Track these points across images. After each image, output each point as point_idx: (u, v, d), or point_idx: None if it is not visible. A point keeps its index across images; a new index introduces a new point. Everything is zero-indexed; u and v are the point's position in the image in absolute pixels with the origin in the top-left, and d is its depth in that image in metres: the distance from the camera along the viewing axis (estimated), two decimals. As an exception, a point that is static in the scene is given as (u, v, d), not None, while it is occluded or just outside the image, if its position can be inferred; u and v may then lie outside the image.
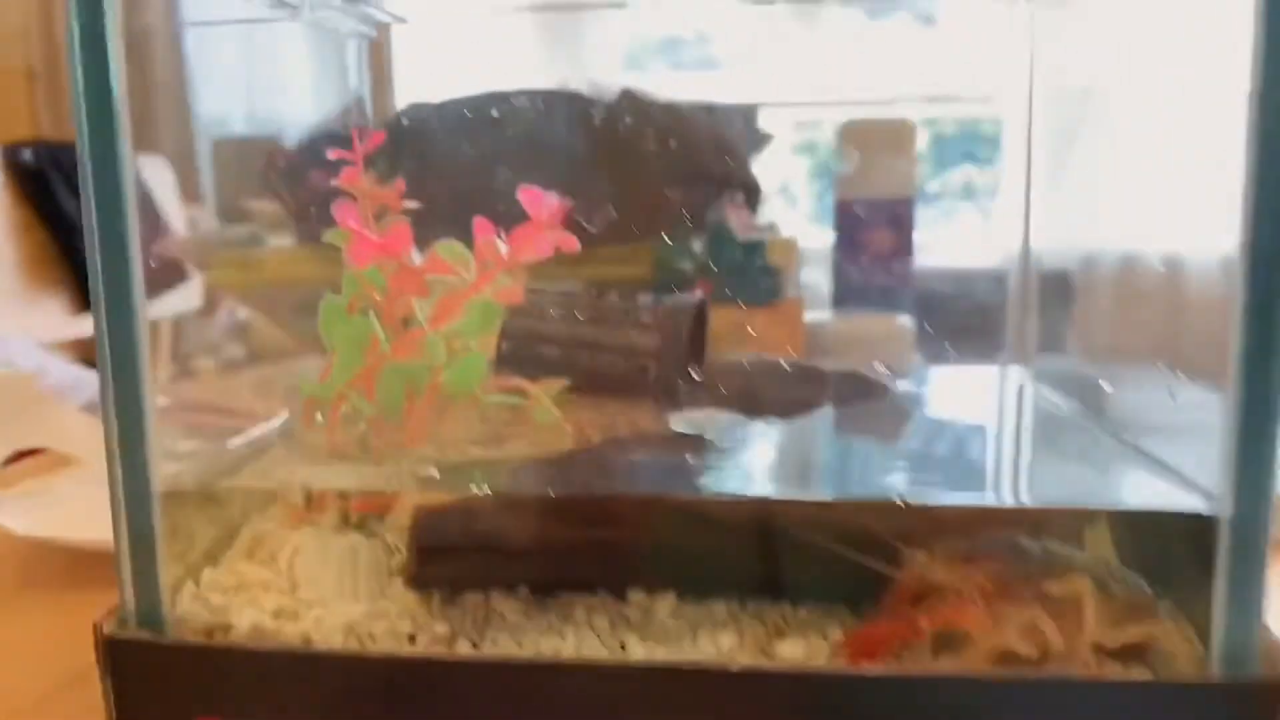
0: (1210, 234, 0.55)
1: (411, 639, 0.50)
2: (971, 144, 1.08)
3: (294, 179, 0.89)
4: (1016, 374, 0.81)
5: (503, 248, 0.55)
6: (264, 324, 0.96)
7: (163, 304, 0.89)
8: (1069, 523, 0.54)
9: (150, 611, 0.48)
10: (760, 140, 1.02)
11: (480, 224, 0.58)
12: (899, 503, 0.46)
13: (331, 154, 0.64)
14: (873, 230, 1.07)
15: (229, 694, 0.47)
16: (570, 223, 0.58)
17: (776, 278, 0.98)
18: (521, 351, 0.71)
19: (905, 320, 1.03)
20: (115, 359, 0.48)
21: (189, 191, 0.87)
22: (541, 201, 0.54)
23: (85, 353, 2.38)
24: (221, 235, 0.95)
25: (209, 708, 0.46)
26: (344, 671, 0.46)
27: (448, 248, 0.56)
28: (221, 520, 0.58)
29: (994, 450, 0.60)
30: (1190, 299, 0.65)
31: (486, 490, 0.50)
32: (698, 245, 0.97)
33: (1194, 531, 0.48)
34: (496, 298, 0.56)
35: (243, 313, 0.97)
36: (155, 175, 0.78)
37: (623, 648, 0.49)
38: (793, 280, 1.00)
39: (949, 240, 1.04)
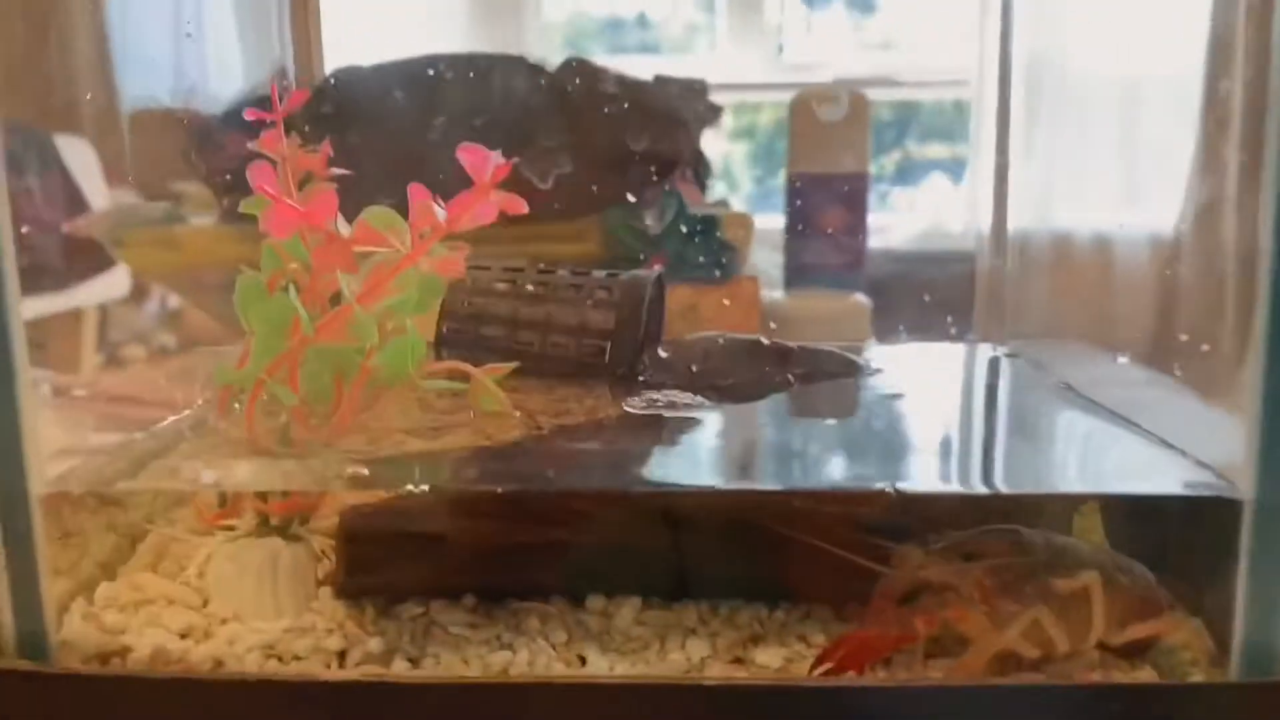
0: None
1: (341, 657, 0.44)
2: (940, 122, 1.05)
3: (213, 148, 0.82)
4: (987, 351, 0.77)
5: (440, 213, 0.48)
6: (194, 310, 0.89)
7: (86, 291, 0.81)
8: (1060, 508, 0.50)
9: (31, 635, 0.42)
10: (711, 114, 0.96)
11: (415, 190, 0.51)
12: (889, 491, 0.42)
13: (248, 114, 0.57)
14: (826, 205, 1.03)
15: (127, 729, 0.40)
16: (516, 187, 0.53)
17: (733, 253, 0.93)
18: (464, 333, 0.65)
19: (861, 298, 0.99)
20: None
21: (114, 172, 0.79)
22: (485, 160, 0.48)
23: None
24: (136, 213, 0.87)
25: (103, 747, 0.40)
26: (262, 700, 0.40)
27: (378, 214, 0.50)
28: (121, 526, 0.51)
29: (981, 431, 0.55)
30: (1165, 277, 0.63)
31: (424, 487, 0.44)
32: (649, 220, 0.92)
33: (1203, 516, 0.44)
34: (435, 270, 0.50)
35: (175, 300, 0.90)
36: (77, 156, 0.71)
37: (582, 662, 0.44)
38: (747, 256, 0.96)
39: (916, 218, 1.00)
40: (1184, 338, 0.51)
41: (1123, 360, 0.52)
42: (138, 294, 0.87)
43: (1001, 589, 0.41)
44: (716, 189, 0.99)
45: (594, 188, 0.84)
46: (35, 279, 0.53)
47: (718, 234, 0.93)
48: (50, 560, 0.42)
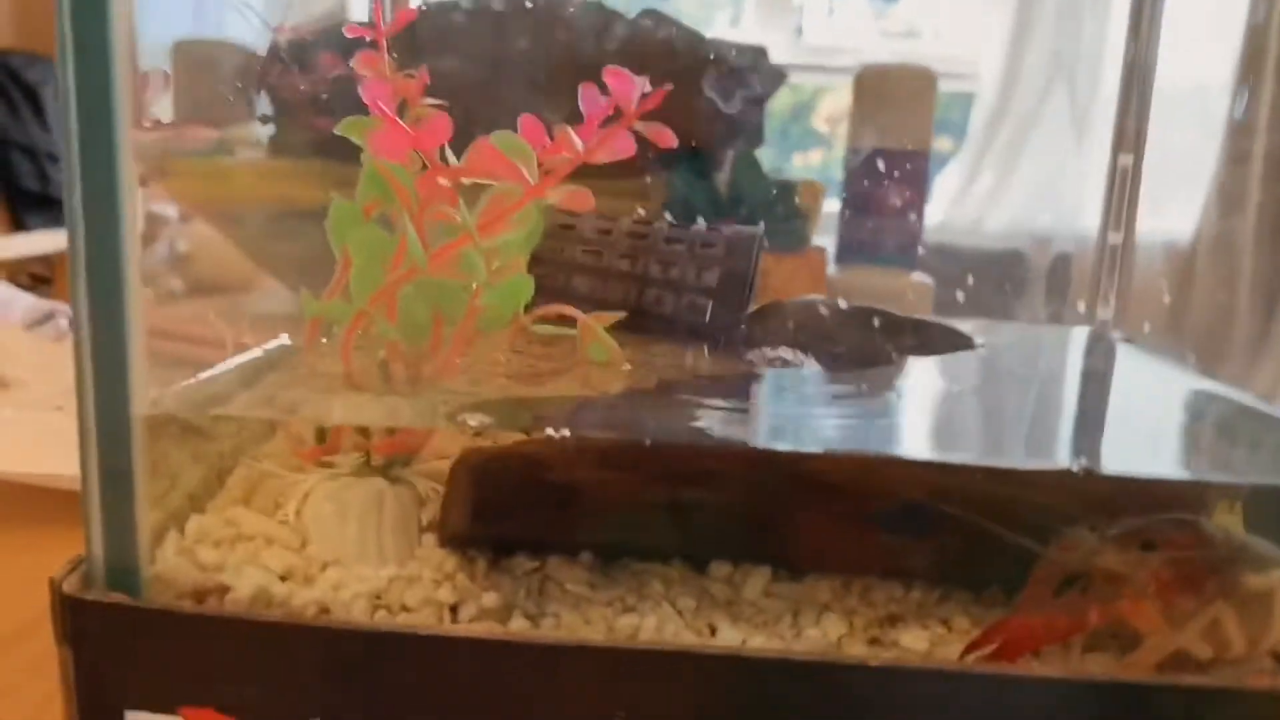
0: None
1: (454, 611, 0.41)
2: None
3: (283, 74, 0.78)
4: (1083, 334, 0.74)
5: (578, 142, 0.45)
6: (209, 255, 0.85)
7: None
8: (1207, 498, 0.47)
9: (124, 567, 0.38)
10: (777, 79, 0.93)
11: (529, 121, 0.48)
12: (1073, 470, 0.38)
13: (348, 30, 0.53)
14: (886, 182, 1.00)
15: (226, 677, 0.37)
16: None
17: (806, 222, 0.90)
18: (552, 280, 0.62)
19: (922, 277, 0.96)
20: (91, 259, 0.38)
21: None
22: (630, 85, 0.44)
23: (10, 274, 2.22)
24: (183, 143, 0.83)
25: (199, 694, 0.37)
26: (374, 651, 0.37)
27: (505, 139, 0.46)
28: (208, 457, 0.48)
29: (1119, 414, 0.52)
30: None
31: (562, 432, 0.41)
32: (718, 182, 0.88)
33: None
34: (565, 204, 0.47)
35: (183, 244, 0.87)
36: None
37: (712, 631, 0.40)
38: (818, 227, 0.93)
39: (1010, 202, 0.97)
40: None
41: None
42: (146, 238, 0.83)
43: (1180, 582, 0.38)
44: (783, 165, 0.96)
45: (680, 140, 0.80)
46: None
47: (793, 200, 0.90)
48: (145, 490, 0.39)
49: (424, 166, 0.48)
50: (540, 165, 0.46)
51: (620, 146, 0.45)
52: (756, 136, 0.93)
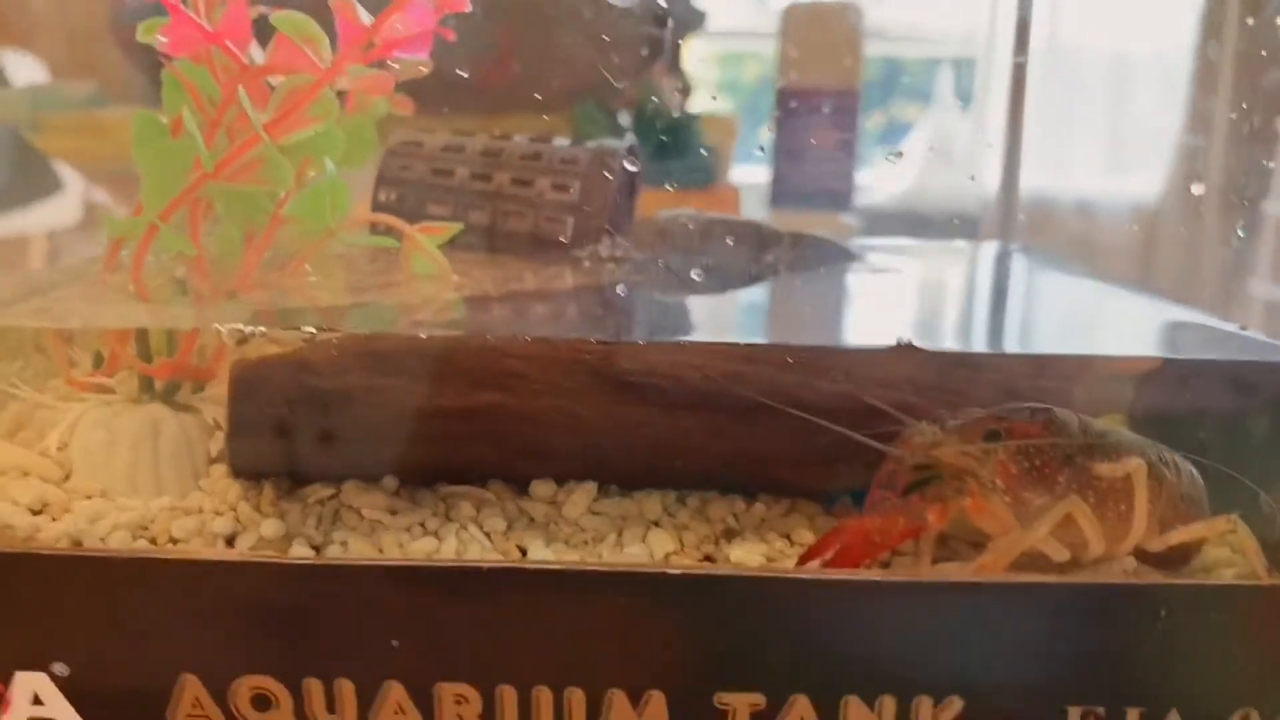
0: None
1: (229, 542, 0.36)
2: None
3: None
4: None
5: (365, 16, 0.40)
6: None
7: (31, 216, 0.72)
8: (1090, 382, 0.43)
9: None
10: (694, 19, 0.89)
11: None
12: (902, 344, 0.34)
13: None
14: (815, 122, 0.95)
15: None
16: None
17: (712, 158, 0.86)
18: (405, 203, 0.57)
19: (847, 219, 0.92)
20: None
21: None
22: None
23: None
24: (56, 94, 0.78)
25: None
26: (118, 580, 0.32)
27: (291, 19, 0.41)
28: (-24, 387, 0.43)
29: (991, 303, 0.48)
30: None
31: (328, 333, 0.36)
32: (625, 121, 0.84)
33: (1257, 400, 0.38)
34: (361, 87, 0.42)
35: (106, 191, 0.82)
36: None
37: (522, 554, 0.36)
38: (728, 163, 0.88)
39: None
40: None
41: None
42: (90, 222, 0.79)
43: (1029, 476, 0.34)
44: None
45: (566, 74, 0.76)
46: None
47: (696, 135, 0.85)
48: None
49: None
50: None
51: (417, 19, 0.40)
52: (679, 75, 0.88)
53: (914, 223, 0.83)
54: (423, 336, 0.38)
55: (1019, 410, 0.36)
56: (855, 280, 0.53)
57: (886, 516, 0.34)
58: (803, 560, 0.34)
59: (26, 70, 0.72)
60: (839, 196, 0.94)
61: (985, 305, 0.50)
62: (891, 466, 0.36)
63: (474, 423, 0.37)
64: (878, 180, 0.92)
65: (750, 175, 0.90)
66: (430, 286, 0.45)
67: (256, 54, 0.45)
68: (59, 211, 0.71)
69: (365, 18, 0.40)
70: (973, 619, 0.32)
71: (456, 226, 0.48)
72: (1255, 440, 0.38)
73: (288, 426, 0.38)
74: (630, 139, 0.60)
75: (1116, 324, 0.44)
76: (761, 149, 0.88)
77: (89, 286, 0.44)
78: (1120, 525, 0.35)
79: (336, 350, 0.37)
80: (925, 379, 0.38)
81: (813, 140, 0.94)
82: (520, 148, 0.57)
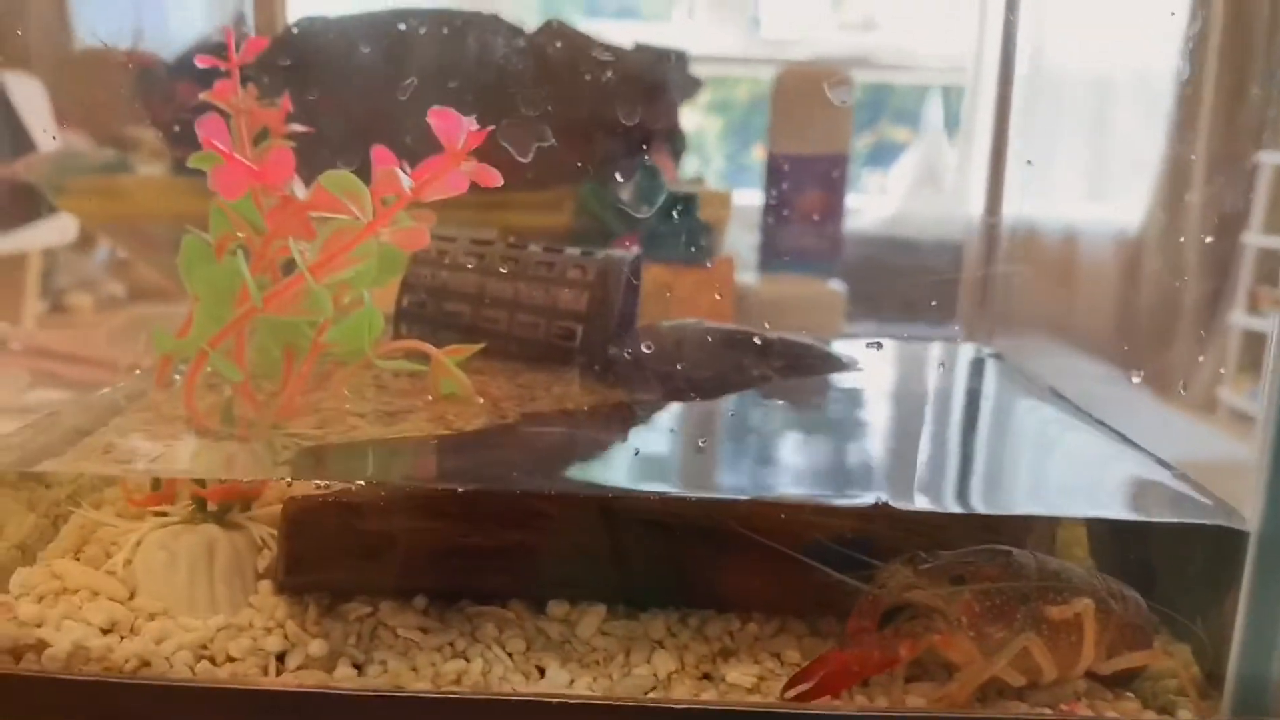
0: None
1: (280, 659, 0.40)
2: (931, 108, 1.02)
3: (161, 95, 0.76)
4: (970, 351, 0.75)
5: (406, 181, 0.45)
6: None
7: (30, 235, 0.76)
8: (1046, 527, 0.47)
9: (-65, 626, 0.38)
10: (691, 86, 0.93)
11: (379, 153, 0.47)
12: (879, 504, 0.39)
13: (200, 60, 0.52)
14: (805, 187, 1.00)
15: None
16: (492, 156, 0.49)
17: (710, 234, 0.90)
18: (426, 308, 0.62)
19: (835, 285, 0.96)
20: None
21: (66, 114, 0.75)
22: (457, 125, 0.44)
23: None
24: (79, 159, 0.82)
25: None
26: (189, 707, 0.36)
27: (336, 178, 0.45)
28: (43, 505, 0.47)
29: (969, 442, 0.53)
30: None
31: (373, 480, 0.40)
32: (625, 195, 0.88)
33: (1199, 544, 0.42)
34: (397, 242, 0.46)
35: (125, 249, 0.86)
36: (25, 94, 0.66)
37: (541, 673, 0.41)
38: (725, 237, 0.93)
39: (900, 207, 0.97)
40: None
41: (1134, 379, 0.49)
42: (86, 240, 0.82)
43: (990, 614, 0.39)
44: (691, 165, 0.96)
45: (569, 157, 0.80)
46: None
47: (695, 213, 0.90)
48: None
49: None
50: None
51: (450, 184, 0.45)
52: (677, 141, 0.93)
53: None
54: (459, 490, 0.42)
55: (982, 553, 0.40)
56: (837, 399, 0.57)
57: (864, 650, 0.39)
58: (789, 686, 0.39)
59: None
60: (827, 263, 0.98)
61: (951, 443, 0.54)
62: (870, 600, 0.40)
63: (501, 558, 0.42)
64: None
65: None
66: (455, 408, 0.49)
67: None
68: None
69: (406, 183, 0.45)
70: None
71: (477, 346, 0.52)
72: (1193, 574, 0.43)
73: (334, 558, 0.42)
74: (636, 250, 0.65)
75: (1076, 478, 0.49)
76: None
77: (145, 414, 0.48)
78: (1071, 654, 0.40)
79: (380, 496, 0.41)
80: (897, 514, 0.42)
81: (802, 206, 0.98)
82: (535, 255, 0.61)
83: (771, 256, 0.98)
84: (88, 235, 0.84)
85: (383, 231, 0.46)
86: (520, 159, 0.45)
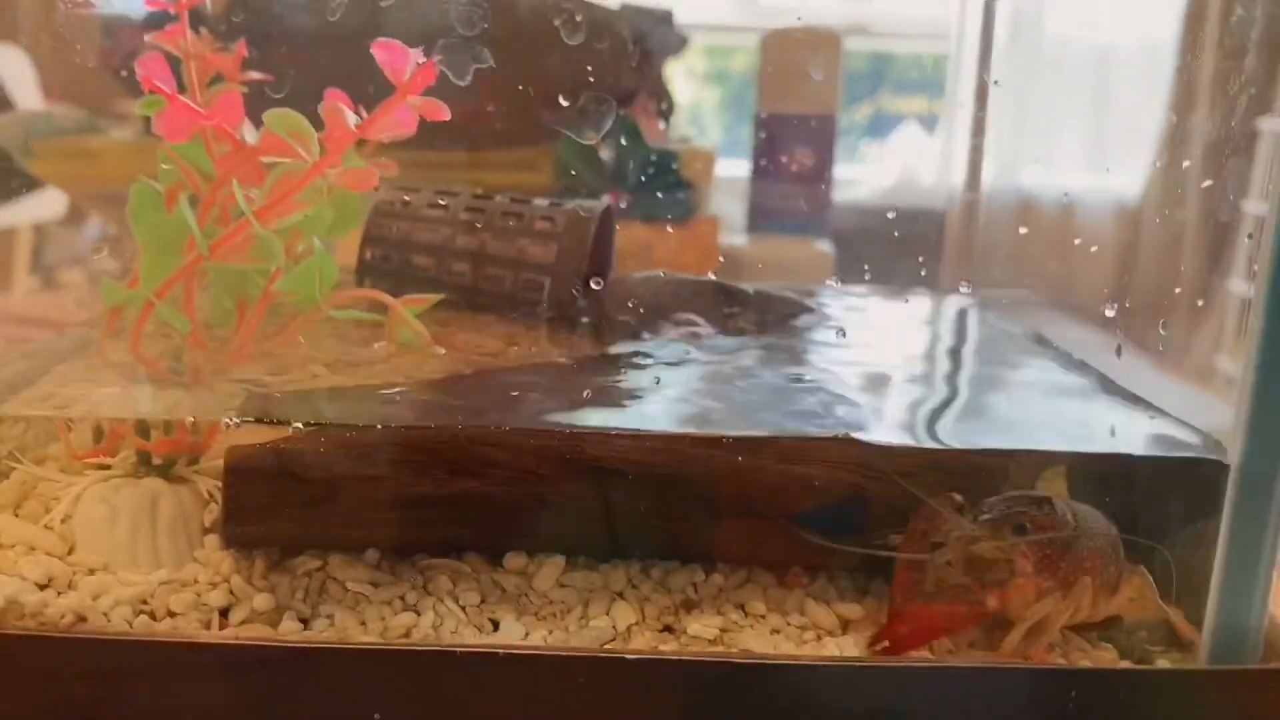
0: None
1: (224, 614, 0.39)
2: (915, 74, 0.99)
3: (126, 49, 0.74)
4: (954, 301, 0.73)
5: (351, 118, 0.43)
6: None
7: (16, 210, 0.74)
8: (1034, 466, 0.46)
9: None
10: (676, 44, 0.91)
11: (331, 95, 0.46)
12: (840, 437, 0.37)
13: (148, 2, 0.50)
14: (792, 147, 0.98)
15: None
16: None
17: (690, 191, 0.88)
18: (389, 261, 0.60)
19: (823, 245, 0.94)
20: None
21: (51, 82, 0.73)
22: (403, 58, 0.42)
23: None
24: (49, 121, 0.80)
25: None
26: (126, 660, 0.35)
27: (281, 117, 0.44)
28: (-16, 460, 0.45)
29: (941, 383, 0.51)
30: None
31: (319, 423, 0.39)
32: (606, 153, 0.86)
33: (1179, 479, 0.41)
34: (344, 183, 0.44)
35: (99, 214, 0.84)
36: (7, 63, 0.65)
37: (495, 626, 0.39)
38: (708, 196, 0.91)
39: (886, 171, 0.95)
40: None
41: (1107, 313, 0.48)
42: (77, 214, 0.80)
43: (1047, 563, 0.37)
44: (684, 128, 0.94)
45: (547, 114, 0.78)
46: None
47: (675, 170, 0.88)
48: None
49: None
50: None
51: (399, 122, 0.43)
52: (664, 101, 0.91)
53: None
54: (403, 429, 0.40)
55: (1025, 499, 0.39)
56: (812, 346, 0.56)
57: (951, 603, 0.37)
58: (876, 639, 0.38)
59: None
60: (815, 223, 0.97)
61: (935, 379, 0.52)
62: (912, 543, 0.38)
63: (452, 507, 0.40)
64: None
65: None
66: (413, 359, 0.48)
67: (248, 131, 0.47)
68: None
69: (351, 120, 0.43)
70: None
71: (436, 297, 0.50)
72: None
73: (278, 508, 0.41)
74: (606, 200, 0.63)
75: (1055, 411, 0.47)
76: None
77: (91, 362, 0.46)
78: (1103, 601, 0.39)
79: (324, 443, 0.40)
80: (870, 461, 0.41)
81: (788, 165, 0.96)
82: (501, 206, 0.60)
83: (759, 217, 0.96)
84: (77, 211, 0.82)
85: (329, 172, 0.44)
86: (458, 82, 0.43)
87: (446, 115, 0.43)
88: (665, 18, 0.87)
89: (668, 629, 0.40)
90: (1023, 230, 0.77)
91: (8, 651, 0.35)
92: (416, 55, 0.42)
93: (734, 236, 0.93)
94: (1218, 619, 0.36)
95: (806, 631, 0.40)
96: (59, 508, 0.42)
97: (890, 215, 0.84)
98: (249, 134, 0.47)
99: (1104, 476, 0.42)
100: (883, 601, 0.41)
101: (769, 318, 0.59)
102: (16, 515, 0.43)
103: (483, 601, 0.40)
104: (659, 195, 0.85)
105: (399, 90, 0.42)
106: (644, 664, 0.35)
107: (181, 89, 0.47)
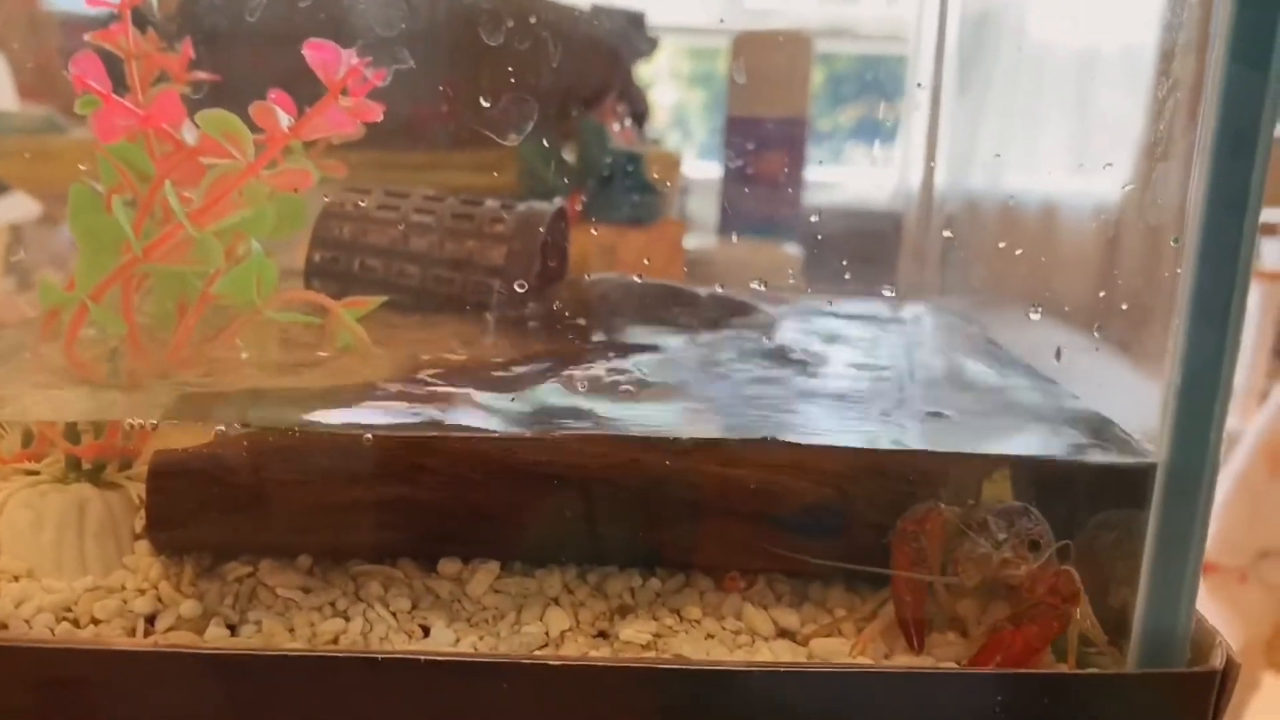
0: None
1: (150, 622, 0.38)
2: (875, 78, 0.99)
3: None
4: (912, 307, 0.73)
5: (284, 118, 0.42)
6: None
7: None
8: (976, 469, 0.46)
9: None
10: (645, 46, 0.90)
11: (277, 98, 0.45)
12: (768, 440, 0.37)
13: (88, 2, 0.50)
14: (762, 150, 0.97)
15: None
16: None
17: (655, 194, 0.88)
18: (338, 263, 0.59)
19: (789, 248, 0.94)
20: None
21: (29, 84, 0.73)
22: (335, 58, 0.41)
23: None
24: (6, 119, 0.79)
25: None
26: (48, 670, 0.34)
27: (214, 118, 0.43)
28: (-89, 465, 0.45)
29: (893, 384, 0.51)
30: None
31: (240, 425, 0.38)
32: (568, 154, 0.86)
33: (1108, 479, 0.41)
34: (278, 184, 0.44)
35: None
36: None
37: (425, 633, 0.39)
38: (674, 198, 0.90)
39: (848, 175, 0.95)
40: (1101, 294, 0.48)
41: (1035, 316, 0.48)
42: (49, 217, 0.79)
43: (1055, 578, 0.38)
44: (656, 131, 0.94)
45: (509, 116, 0.78)
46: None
47: (639, 172, 0.87)
48: None
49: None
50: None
51: (335, 122, 0.43)
52: (635, 103, 0.90)
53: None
54: (329, 435, 0.40)
55: (1018, 512, 0.39)
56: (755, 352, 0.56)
57: (1041, 624, 0.37)
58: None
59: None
60: (784, 226, 0.96)
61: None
62: (904, 545, 0.38)
63: (383, 512, 0.40)
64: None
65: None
66: (352, 362, 0.47)
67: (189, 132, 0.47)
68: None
69: (285, 121, 0.42)
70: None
71: (378, 300, 0.50)
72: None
73: (204, 513, 0.40)
74: (559, 202, 0.63)
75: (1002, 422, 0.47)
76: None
77: (24, 363, 0.46)
78: None
79: (247, 447, 0.39)
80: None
81: (757, 169, 0.96)
82: (452, 208, 0.59)
83: (728, 220, 0.96)
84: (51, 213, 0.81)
85: (264, 173, 0.44)
86: (377, 83, 0.43)
87: (379, 116, 0.42)
88: (635, 19, 0.87)
89: (602, 634, 0.40)
90: (947, 235, 0.78)
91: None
92: (350, 56, 0.42)
93: (704, 239, 0.93)
94: (1145, 622, 0.36)
95: (740, 636, 0.39)
96: (-16, 514, 0.41)
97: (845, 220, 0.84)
98: (192, 135, 0.47)
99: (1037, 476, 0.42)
100: (820, 606, 0.41)
101: (720, 320, 0.58)
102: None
103: (414, 607, 0.40)
104: (622, 197, 0.84)
105: (330, 91, 0.42)
106: (571, 670, 0.35)
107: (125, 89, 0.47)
